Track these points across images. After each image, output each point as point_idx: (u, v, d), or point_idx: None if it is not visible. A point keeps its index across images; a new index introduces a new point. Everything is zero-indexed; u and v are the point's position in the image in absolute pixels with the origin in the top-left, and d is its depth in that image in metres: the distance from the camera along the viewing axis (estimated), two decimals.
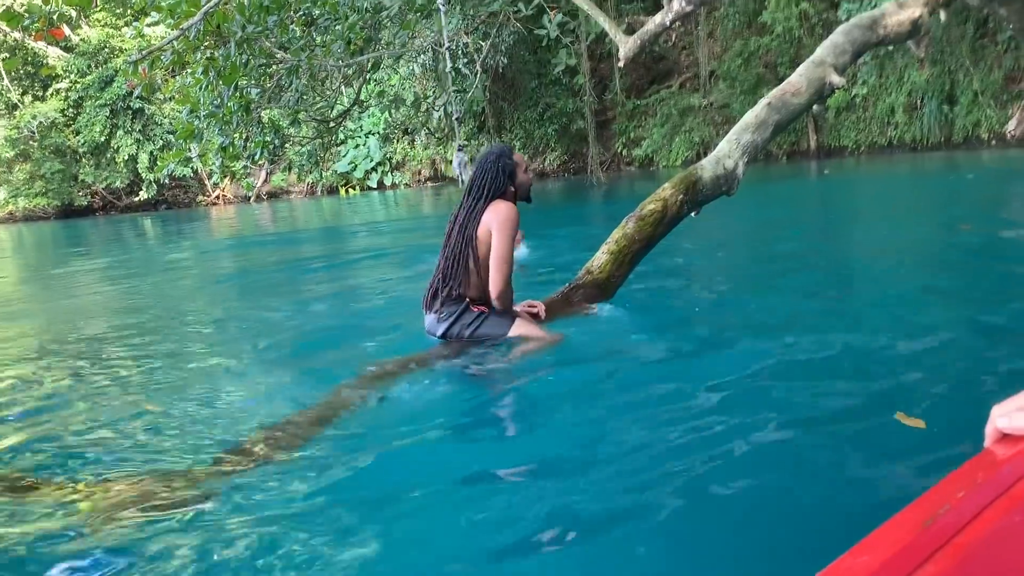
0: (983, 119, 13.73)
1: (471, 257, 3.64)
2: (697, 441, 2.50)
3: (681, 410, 2.80)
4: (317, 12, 9.50)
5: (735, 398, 2.86)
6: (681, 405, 2.86)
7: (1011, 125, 6.87)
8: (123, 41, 25.01)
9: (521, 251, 6.48)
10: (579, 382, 3.29)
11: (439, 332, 3.70)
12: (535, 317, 3.89)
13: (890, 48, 12.55)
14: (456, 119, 7.81)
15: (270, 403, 3.40)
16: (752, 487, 2.20)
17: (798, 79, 4.09)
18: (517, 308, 3.90)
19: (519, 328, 3.63)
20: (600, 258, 4.13)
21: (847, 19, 6.43)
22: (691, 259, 6.31)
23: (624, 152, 20.40)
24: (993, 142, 13.56)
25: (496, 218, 3.60)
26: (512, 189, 3.77)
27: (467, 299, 3.68)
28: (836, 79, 4.11)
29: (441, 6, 6.90)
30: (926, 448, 2.31)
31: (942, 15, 5.45)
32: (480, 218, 3.63)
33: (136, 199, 26.95)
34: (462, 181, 5.57)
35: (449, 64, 8.77)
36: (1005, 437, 0.88)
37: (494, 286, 3.62)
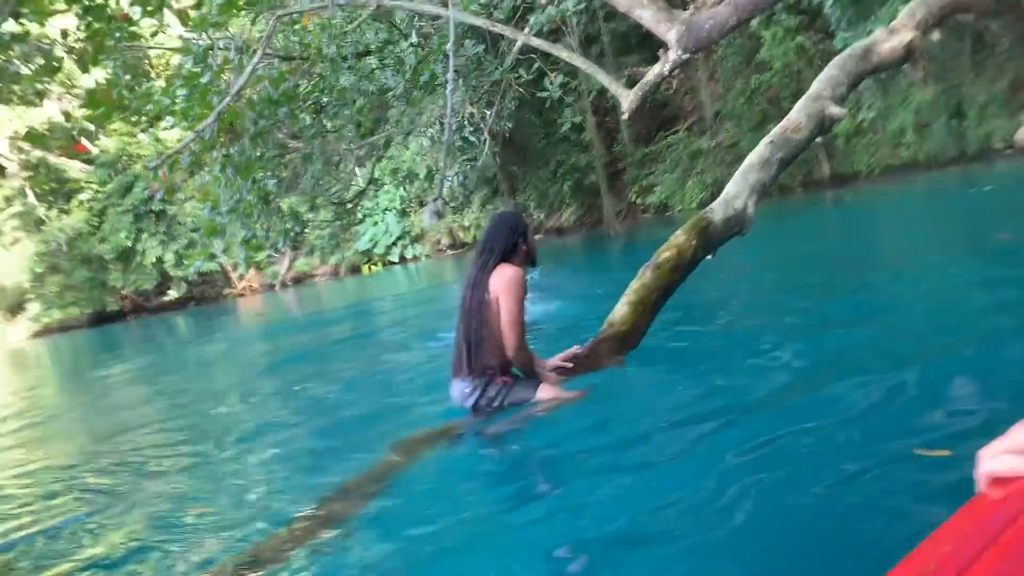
0: (995, 130, 13.69)
1: (484, 325, 3.71)
2: (719, 496, 2.47)
3: (700, 464, 2.78)
4: (326, 99, 9.77)
5: (759, 448, 2.82)
6: (700, 459, 2.84)
7: (1020, 135, 6.85)
8: (140, 147, 25.81)
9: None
10: (604, 440, 3.29)
11: (468, 404, 3.75)
12: (564, 373, 3.93)
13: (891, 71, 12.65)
14: (442, 180, 7.95)
15: (308, 485, 3.43)
16: (778, 540, 2.18)
17: (797, 115, 4.15)
18: (551, 362, 3.97)
19: (543, 392, 3.68)
20: (620, 310, 4.16)
21: (844, 48, 6.50)
22: (714, 303, 6.30)
23: (638, 200, 20.51)
24: (1007, 151, 13.50)
25: (502, 283, 3.69)
26: (525, 249, 3.85)
27: (491, 370, 3.74)
28: (835, 111, 4.16)
29: (449, 82, 7.09)
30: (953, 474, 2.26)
31: (935, 35, 5.51)
32: (488, 285, 3.71)
33: (165, 299, 27.46)
34: (430, 221, 5.85)
35: (447, 135, 8.94)
36: (996, 480, 0.87)
37: (510, 349, 3.71)
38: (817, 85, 4.36)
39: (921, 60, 5.02)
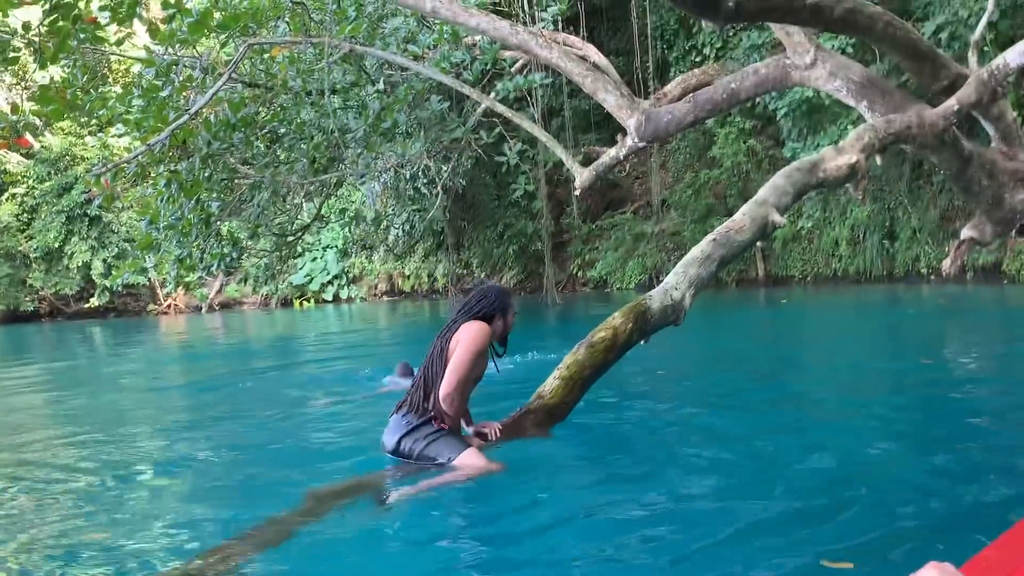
0: (922, 255, 14.37)
1: (440, 372, 3.80)
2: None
3: (604, 540, 2.80)
4: (283, 131, 9.73)
5: (664, 531, 2.85)
6: (607, 534, 2.86)
7: (946, 264, 7.20)
8: (85, 150, 25.20)
9: None
10: (517, 512, 3.28)
11: (394, 438, 3.75)
12: (485, 439, 3.95)
13: None
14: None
15: (206, 525, 3.33)
16: None
17: (742, 217, 4.31)
18: (471, 429, 3.96)
19: (465, 458, 3.67)
20: (551, 383, 4.20)
21: (791, 157, 6.79)
22: (645, 385, 6.40)
23: (579, 273, 20.79)
24: (932, 278, 14.15)
25: (466, 333, 3.81)
26: (501, 325, 4.00)
27: (431, 413, 3.78)
28: (777, 218, 4.33)
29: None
30: None
31: (878, 159, 5.80)
32: (455, 334, 3.83)
33: (86, 306, 26.54)
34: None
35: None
36: None
37: (443, 388, 3.75)
38: (764, 192, 4.54)
39: (863, 181, 5.26)
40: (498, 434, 3.98)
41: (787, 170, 4.73)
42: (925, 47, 6.49)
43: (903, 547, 2.59)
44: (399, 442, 3.78)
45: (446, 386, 3.75)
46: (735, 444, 4.16)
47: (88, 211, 24.74)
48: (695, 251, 4.30)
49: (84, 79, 9.15)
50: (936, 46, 10.28)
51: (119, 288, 25.38)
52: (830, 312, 12.28)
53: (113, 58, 16.93)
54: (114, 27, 7.91)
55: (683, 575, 2.57)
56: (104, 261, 25.16)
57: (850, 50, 11.28)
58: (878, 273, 15.18)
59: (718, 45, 17.00)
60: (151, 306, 27.28)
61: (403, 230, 19.15)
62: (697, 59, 18.05)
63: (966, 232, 7.27)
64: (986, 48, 9.03)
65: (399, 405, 3.92)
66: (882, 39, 6.18)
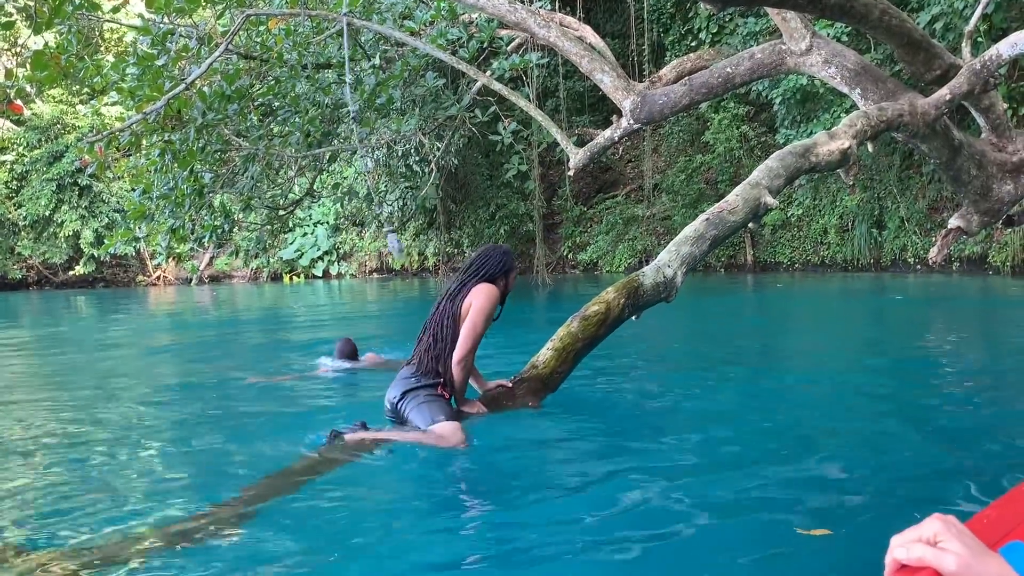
0: (909, 244, 14.51)
1: (451, 336, 3.92)
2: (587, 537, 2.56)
3: (584, 510, 2.87)
4: (277, 104, 9.71)
5: (638, 499, 2.93)
6: (588, 505, 2.93)
7: (933, 252, 7.31)
8: (76, 118, 24.99)
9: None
10: (505, 478, 3.37)
11: (399, 391, 3.85)
12: (497, 403, 4.05)
13: (825, 173, 13.32)
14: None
15: (184, 489, 3.38)
16: None
17: (735, 198, 4.38)
18: (491, 383, 4.22)
19: (438, 427, 3.76)
20: (545, 354, 4.29)
21: (784, 143, 6.86)
22: (635, 361, 6.50)
23: (570, 256, 20.86)
24: (918, 267, 14.29)
25: (479, 295, 3.94)
26: (504, 284, 4.11)
27: (440, 377, 3.91)
28: (770, 200, 4.40)
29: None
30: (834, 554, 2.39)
31: (869, 146, 5.88)
32: (466, 297, 3.95)
33: (72, 274, 26.41)
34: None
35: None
36: (903, 568, 0.89)
37: (458, 351, 3.90)
38: (757, 174, 4.61)
39: (854, 167, 5.34)
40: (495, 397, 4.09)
41: (780, 153, 4.80)
42: (919, 36, 6.55)
43: (882, 515, 2.68)
44: (403, 396, 3.88)
45: (461, 349, 3.88)
46: (720, 418, 4.27)
47: (79, 180, 24.57)
48: (688, 230, 4.38)
49: (79, 46, 9.11)
50: (930, 36, 10.37)
51: (106, 258, 25.33)
52: (818, 297, 12.41)
53: (106, 26, 16.80)
54: None
55: (666, 547, 2.64)
56: (94, 231, 25.02)
57: (845, 38, 11.33)
58: (865, 261, 15.33)
59: (714, 30, 17.03)
60: (140, 277, 27.20)
61: (396, 207, 19.14)
62: (692, 44, 18.06)
63: (953, 221, 7.37)
64: (979, 39, 9.12)
65: (408, 363, 4.04)
66: (877, 27, 6.24)
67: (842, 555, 2.40)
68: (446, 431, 3.73)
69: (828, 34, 10.24)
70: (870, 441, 3.79)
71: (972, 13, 6.80)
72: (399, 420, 3.91)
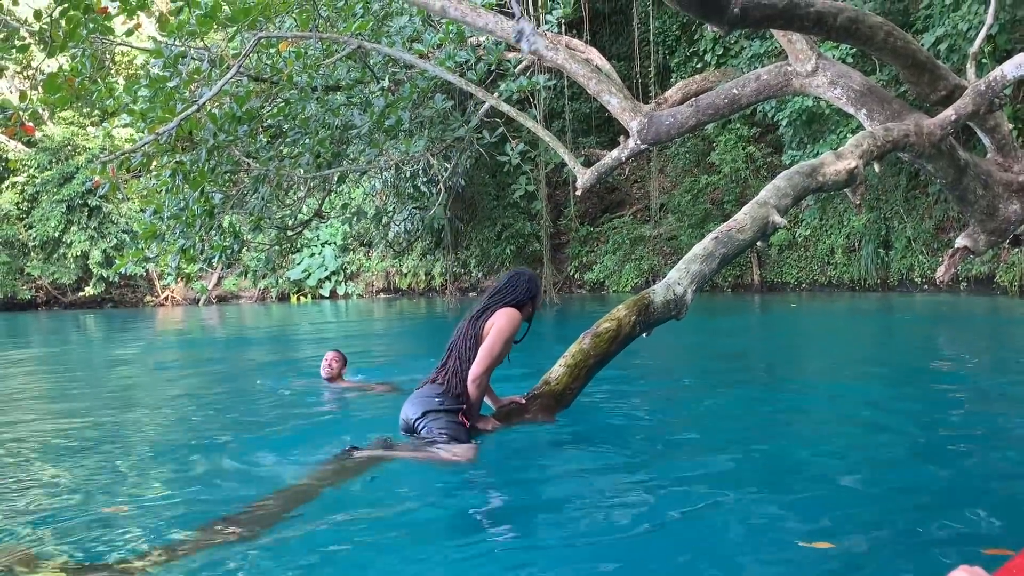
0: (916, 264, 14.52)
1: (474, 352, 3.99)
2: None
3: (582, 520, 2.89)
4: (287, 126, 9.81)
5: (647, 532, 2.94)
6: (587, 539, 2.95)
7: (940, 272, 7.33)
8: (87, 140, 25.22)
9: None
10: (518, 488, 3.39)
11: (419, 411, 3.92)
12: (509, 418, 4.14)
13: (832, 193, 13.38)
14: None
15: (193, 504, 3.41)
16: None
17: (743, 217, 4.43)
18: (504, 399, 4.28)
19: (457, 447, 3.81)
20: (557, 371, 4.34)
21: (790, 164, 6.92)
22: (646, 377, 6.54)
23: (576, 276, 20.91)
24: (925, 287, 14.30)
25: (501, 318, 4.02)
26: (530, 309, 4.22)
27: (462, 400, 3.97)
28: (778, 219, 4.44)
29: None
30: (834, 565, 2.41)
31: (876, 167, 5.92)
32: (489, 319, 4.02)
33: (81, 294, 26.55)
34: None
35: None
36: None
37: (474, 370, 3.95)
38: (765, 193, 4.65)
39: (860, 187, 5.38)
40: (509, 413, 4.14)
41: (788, 173, 4.85)
42: (924, 58, 6.61)
43: (884, 531, 2.70)
44: (423, 415, 3.90)
45: (477, 368, 3.93)
46: (727, 435, 4.30)
47: (88, 201, 24.76)
48: (698, 248, 4.43)
49: (92, 69, 9.23)
50: (935, 58, 10.45)
51: (116, 279, 25.47)
52: (826, 316, 12.42)
53: (117, 48, 17.00)
54: (122, 18, 8.00)
55: (671, 558, 2.66)
56: (103, 251, 25.18)
57: (850, 59, 11.41)
58: (872, 281, 15.34)
59: (719, 52, 17.16)
60: (148, 297, 27.32)
61: (403, 228, 19.24)
62: (698, 65, 18.20)
63: (960, 241, 7.40)
64: (983, 60, 9.19)
65: (428, 381, 4.07)
66: (883, 49, 6.31)
67: (841, 567, 2.43)
68: (460, 450, 3.77)
69: (833, 55, 10.34)
70: (875, 459, 3.82)
71: (976, 35, 6.87)
72: (414, 433, 3.95)
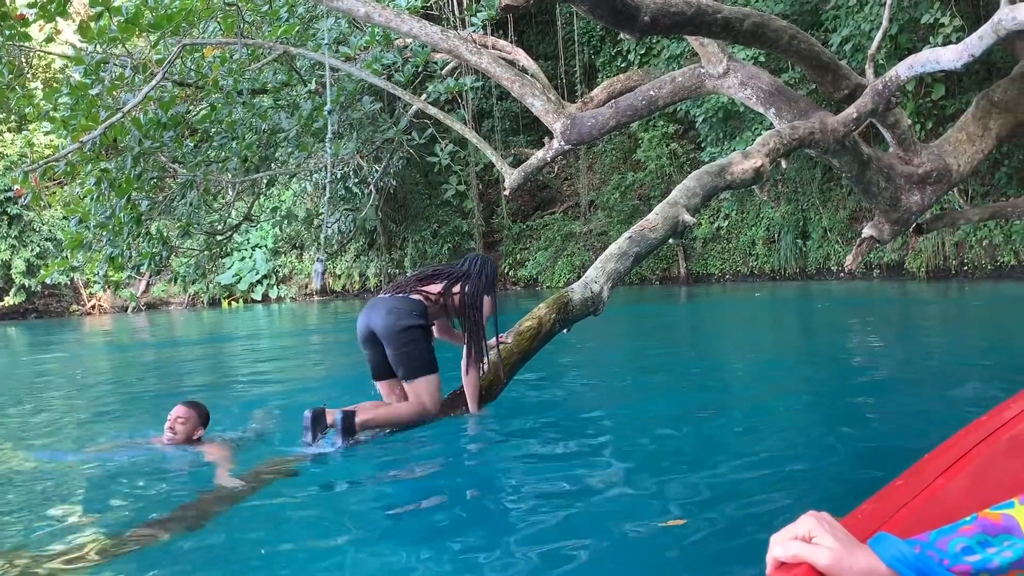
0: (832, 253, 15.19)
1: (467, 314, 4.36)
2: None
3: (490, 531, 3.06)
4: (214, 130, 9.77)
5: (530, 512, 3.14)
6: (507, 499, 3.16)
7: (848, 260, 7.75)
8: (5, 146, 24.46)
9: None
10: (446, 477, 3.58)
11: (401, 323, 4.23)
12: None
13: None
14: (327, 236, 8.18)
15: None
16: None
17: (655, 217, 4.70)
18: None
19: (439, 381, 4.30)
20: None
21: (709, 161, 7.25)
22: (572, 370, 6.79)
23: (511, 272, 21.16)
24: (841, 274, 14.97)
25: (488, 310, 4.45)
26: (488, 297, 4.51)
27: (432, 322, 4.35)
28: (688, 218, 4.73)
29: (329, 135, 7.35)
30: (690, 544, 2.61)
31: (783, 163, 6.28)
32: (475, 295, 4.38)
33: (2, 304, 25.72)
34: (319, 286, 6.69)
35: (327, 185, 9.17)
36: (782, 565, 0.94)
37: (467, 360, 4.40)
38: (675, 193, 4.93)
39: (767, 184, 5.71)
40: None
41: (697, 173, 5.14)
42: (827, 59, 7.00)
43: (757, 507, 2.92)
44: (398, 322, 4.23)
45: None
46: (629, 424, 4.57)
47: (8, 209, 24.03)
48: (612, 247, 4.68)
49: (10, 76, 9.06)
50: (843, 57, 10.96)
51: (38, 288, 24.74)
52: (748, 305, 12.90)
53: (36, 56, 16.57)
54: (39, 24, 7.89)
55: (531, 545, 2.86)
56: (26, 260, 24.45)
57: (763, 59, 11.87)
58: (792, 270, 15.97)
59: (642, 52, 17.58)
60: (74, 306, 26.63)
61: (335, 229, 19.20)
62: (623, 64, 18.60)
63: (867, 231, 7.83)
64: (881, 62, 9.68)
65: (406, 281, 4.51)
66: (787, 51, 6.66)
67: (687, 542, 2.61)
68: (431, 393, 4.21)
69: (746, 56, 10.76)
70: (771, 437, 4.11)
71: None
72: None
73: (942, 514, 1.10)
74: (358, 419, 3.98)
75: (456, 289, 4.37)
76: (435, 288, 4.34)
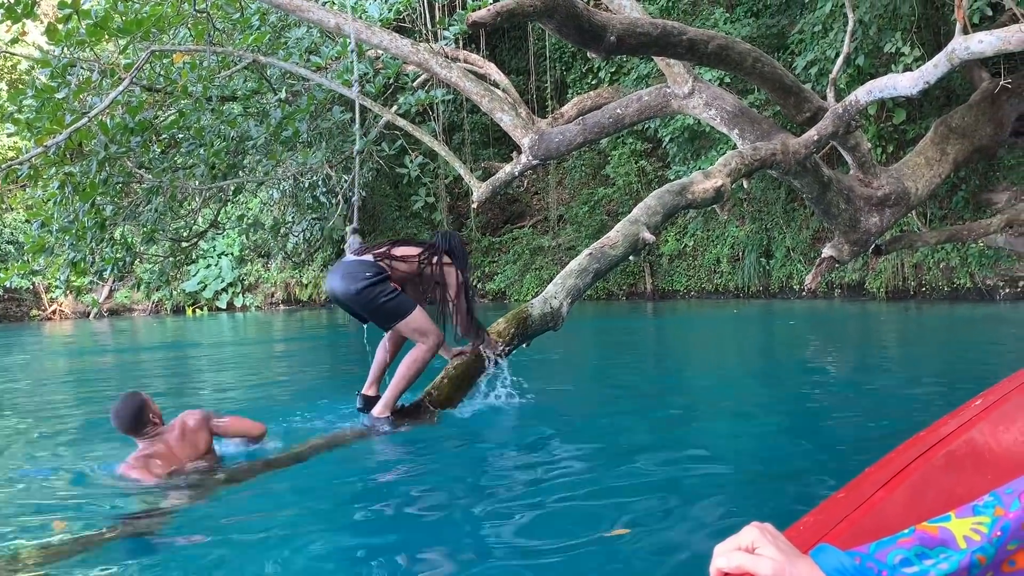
0: (795, 272, 15.42)
1: (436, 281, 4.51)
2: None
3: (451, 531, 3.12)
4: (181, 136, 9.71)
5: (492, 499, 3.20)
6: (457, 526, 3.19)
7: (808, 280, 7.90)
8: None
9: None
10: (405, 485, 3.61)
11: (353, 287, 4.32)
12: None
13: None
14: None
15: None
16: None
17: (616, 234, 4.77)
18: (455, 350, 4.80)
19: (419, 314, 4.43)
20: (439, 383, 4.56)
21: (675, 179, 7.37)
22: (535, 380, 6.84)
23: (479, 285, 21.20)
24: (803, 293, 15.20)
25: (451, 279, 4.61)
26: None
27: (388, 274, 4.42)
28: (647, 236, 4.81)
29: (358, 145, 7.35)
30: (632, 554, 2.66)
31: (744, 183, 6.40)
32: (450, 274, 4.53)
33: None
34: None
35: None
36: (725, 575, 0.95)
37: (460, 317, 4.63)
38: (637, 211, 5.02)
39: (728, 204, 5.82)
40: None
41: (659, 192, 5.23)
42: (790, 82, 7.16)
43: (698, 519, 2.98)
44: (362, 290, 4.37)
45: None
46: (586, 434, 4.63)
47: None
48: (573, 264, 4.74)
49: None
50: (808, 80, 11.17)
51: None
52: (713, 322, 13.06)
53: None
54: (5, 25, 7.82)
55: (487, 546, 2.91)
56: None
57: (728, 80, 12.06)
58: (755, 288, 16.18)
59: (612, 70, 17.76)
60: (34, 311, 26.19)
61: (302, 238, 19.10)
62: (593, 81, 18.78)
63: (827, 251, 8.00)
64: (842, 87, 9.89)
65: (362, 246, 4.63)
66: (751, 73, 6.81)
67: (629, 550, 2.67)
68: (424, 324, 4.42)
69: (711, 78, 10.93)
70: (723, 449, 4.19)
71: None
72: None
73: (881, 526, 1.15)
74: (381, 401, 4.39)
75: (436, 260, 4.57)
76: (404, 251, 4.47)
